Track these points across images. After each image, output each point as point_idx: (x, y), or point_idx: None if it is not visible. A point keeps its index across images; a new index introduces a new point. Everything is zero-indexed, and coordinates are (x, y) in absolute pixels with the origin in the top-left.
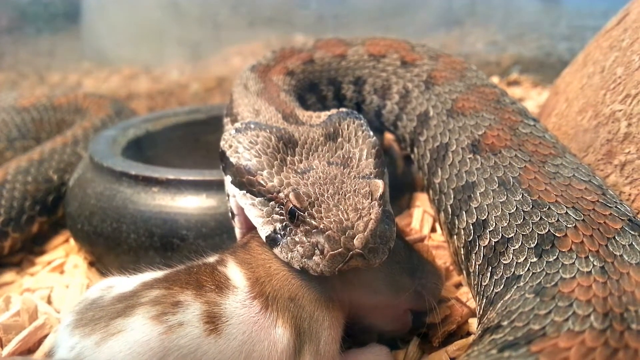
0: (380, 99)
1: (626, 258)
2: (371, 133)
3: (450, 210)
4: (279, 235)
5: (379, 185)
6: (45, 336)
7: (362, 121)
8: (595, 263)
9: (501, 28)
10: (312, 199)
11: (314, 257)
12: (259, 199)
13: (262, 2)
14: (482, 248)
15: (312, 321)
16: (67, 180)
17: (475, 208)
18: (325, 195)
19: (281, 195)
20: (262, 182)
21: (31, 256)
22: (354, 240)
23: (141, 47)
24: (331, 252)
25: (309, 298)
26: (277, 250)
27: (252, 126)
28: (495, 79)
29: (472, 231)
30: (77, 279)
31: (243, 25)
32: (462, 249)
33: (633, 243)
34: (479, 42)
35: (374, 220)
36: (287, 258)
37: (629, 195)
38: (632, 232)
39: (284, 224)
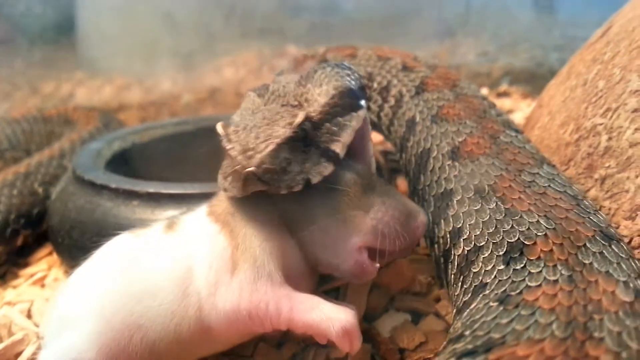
0: (382, 100)
1: (596, 266)
2: (345, 79)
3: (431, 218)
4: None
5: (299, 114)
6: (22, 351)
7: (339, 69)
8: (563, 272)
9: (493, 38)
10: (239, 127)
11: (228, 177)
12: None
13: (254, 13)
14: (456, 257)
15: (246, 233)
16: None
17: (452, 216)
18: (255, 127)
19: None
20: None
21: (15, 268)
22: (251, 159)
23: (134, 57)
24: (230, 170)
25: (246, 215)
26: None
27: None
28: (485, 91)
29: (448, 240)
30: (57, 292)
31: (236, 36)
32: (441, 258)
33: (604, 251)
34: (470, 53)
35: (276, 143)
36: (218, 183)
37: (609, 209)
38: (604, 242)
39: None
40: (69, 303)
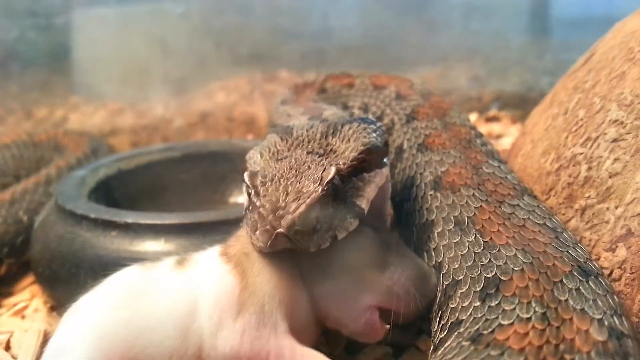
0: None
1: (571, 303)
2: (373, 135)
3: (413, 249)
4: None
5: (330, 170)
6: None
7: (366, 125)
8: (537, 309)
9: (485, 62)
10: (267, 179)
11: (256, 232)
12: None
13: (245, 38)
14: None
15: (258, 276)
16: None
17: (433, 249)
18: (283, 178)
19: None
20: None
21: None
22: (282, 220)
23: (128, 82)
24: (260, 229)
25: (261, 257)
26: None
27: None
28: (475, 115)
29: None
30: (36, 324)
31: (227, 61)
32: None
33: (580, 287)
34: (461, 78)
35: (306, 204)
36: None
37: (590, 240)
38: (580, 277)
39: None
40: (68, 331)
